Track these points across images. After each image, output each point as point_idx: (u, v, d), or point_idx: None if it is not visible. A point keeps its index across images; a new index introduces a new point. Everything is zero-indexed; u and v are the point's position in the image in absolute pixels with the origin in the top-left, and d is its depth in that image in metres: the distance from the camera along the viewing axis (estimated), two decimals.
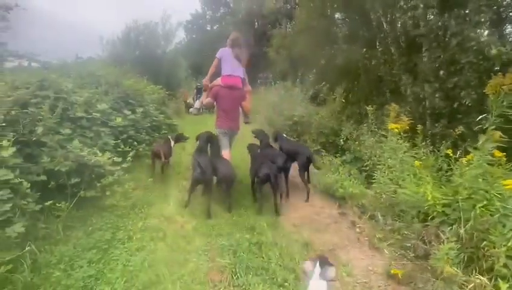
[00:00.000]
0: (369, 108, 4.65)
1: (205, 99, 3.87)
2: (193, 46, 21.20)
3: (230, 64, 3.49)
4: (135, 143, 3.98)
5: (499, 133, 2.22)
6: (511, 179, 2.00)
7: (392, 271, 2.06)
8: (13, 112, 2.48)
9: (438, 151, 2.97)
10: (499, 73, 2.35)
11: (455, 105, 4.71)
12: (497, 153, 2.20)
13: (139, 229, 2.54)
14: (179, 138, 4.28)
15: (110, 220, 2.64)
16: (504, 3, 4.83)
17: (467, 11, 4.76)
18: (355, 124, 5.71)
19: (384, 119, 4.09)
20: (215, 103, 3.62)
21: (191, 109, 9.92)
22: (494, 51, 4.02)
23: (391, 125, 3.16)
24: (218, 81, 3.56)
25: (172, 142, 4.09)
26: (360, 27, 7.51)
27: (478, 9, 4.38)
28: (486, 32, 4.75)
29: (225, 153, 3.54)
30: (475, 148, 2.34)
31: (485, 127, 2.37)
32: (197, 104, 9.88)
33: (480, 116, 2.49)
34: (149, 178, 3.46)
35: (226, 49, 3.58)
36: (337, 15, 8.74)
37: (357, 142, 4.96)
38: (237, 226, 2.70)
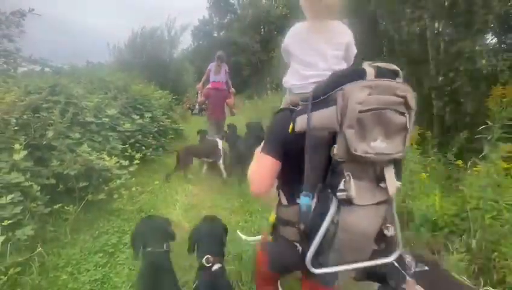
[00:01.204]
0: None
1: (199, 99, 5.34)
2: (200, 52, 21.38)
3: (217, 73, 4.63)
4: (143, 148, 4.03)
5: (511, 146, 2.18)
6: None
7: None
8: (25, 116, 2.54)
9: (445, 157, 2.92)
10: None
11: (468, 118, 4.60)
12: (503, 164, 2.16)
13: None
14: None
15: (117, 224, 2.66)
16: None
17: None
18: None
19: None
20: (206, 102, 4.89)
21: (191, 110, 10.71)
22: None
23: None
24: (209, 85, 4.75)
25: (219, 142, 4.12)
26: (366, 34, 7.50)
27: (481, 17, 4.27)
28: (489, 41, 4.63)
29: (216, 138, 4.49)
30: (483, 157, 2.31)
31: (488, 138, 2.34)
32: (197, 104, 10.47)
33: (482, 127, 2.46)
34: (155, 182, 3.51)
35: (214, 63, 4.70)
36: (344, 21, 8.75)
37: None
38: (243, 232, 2.68)
